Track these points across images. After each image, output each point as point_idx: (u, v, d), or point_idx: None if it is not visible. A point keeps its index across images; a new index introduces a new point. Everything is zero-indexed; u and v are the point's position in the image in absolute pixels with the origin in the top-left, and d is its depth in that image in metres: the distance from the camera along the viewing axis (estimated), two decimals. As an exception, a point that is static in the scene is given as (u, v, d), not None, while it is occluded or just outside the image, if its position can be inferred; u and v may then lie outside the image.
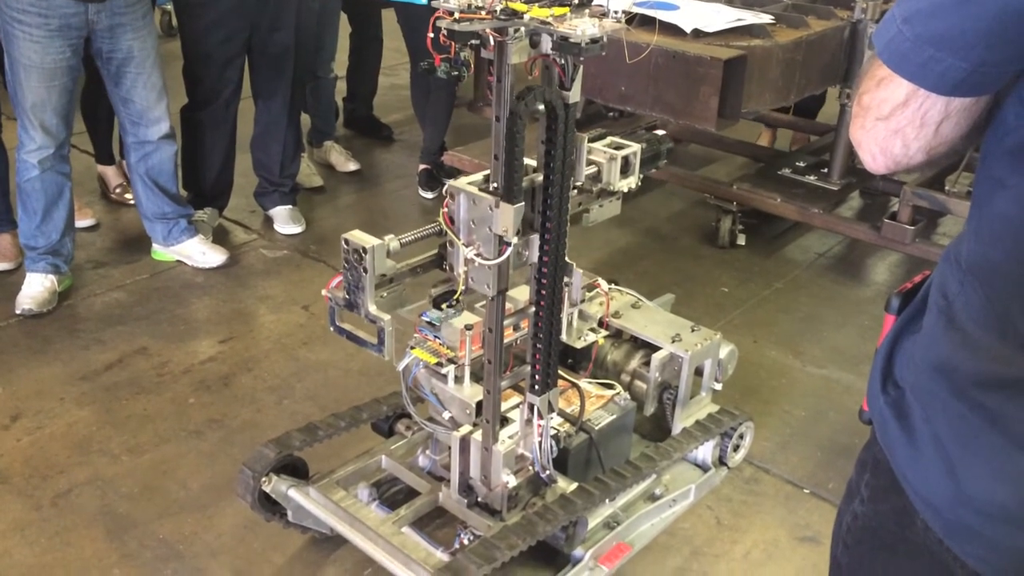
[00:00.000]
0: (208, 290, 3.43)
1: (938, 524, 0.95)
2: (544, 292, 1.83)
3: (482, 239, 1.72)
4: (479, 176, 1.77)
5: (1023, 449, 0.88)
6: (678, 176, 4.09)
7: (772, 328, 3.33)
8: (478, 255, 1.73)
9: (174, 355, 3.01)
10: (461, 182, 1.75)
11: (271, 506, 2.16)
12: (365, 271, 1.74)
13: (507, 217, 1.65)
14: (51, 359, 2.96)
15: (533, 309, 1.86)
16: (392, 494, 2.31)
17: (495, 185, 1.70)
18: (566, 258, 1.83)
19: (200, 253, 3.57)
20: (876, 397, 1.06)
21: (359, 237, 1.76)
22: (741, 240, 3.90)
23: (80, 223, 3.63)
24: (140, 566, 2.17)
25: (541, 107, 1.66)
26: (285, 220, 3.91)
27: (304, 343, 3.10)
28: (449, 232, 1.77)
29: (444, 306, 1.87)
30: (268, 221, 3.95)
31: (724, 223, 3.88)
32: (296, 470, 2.20)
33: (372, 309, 1.77)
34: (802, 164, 3.98)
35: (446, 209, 1.76)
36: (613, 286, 2.58)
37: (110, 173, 4.09)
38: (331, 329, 1.88)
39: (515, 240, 1.68)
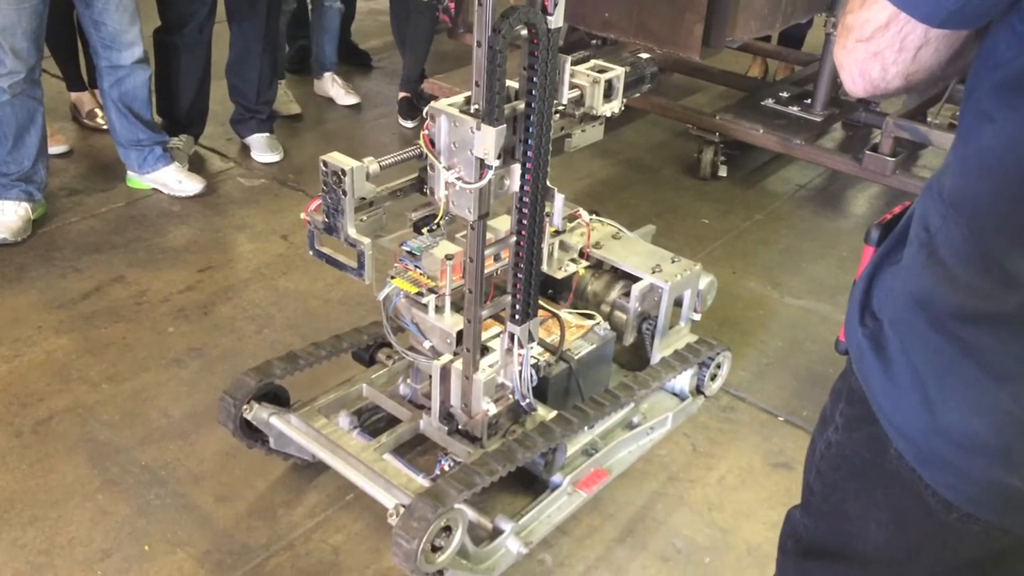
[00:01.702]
0: (185, 219, 3.39)
1: (911, 453, 0.97)
2: (525, 220, 1.82)
3: (463, 163, 1.69)
4: (460, 98, 1.73)
5: (999, 382, 0.89)
6: (660, 106, 4.06)
7: (751, 259, 3.35)
8: (459, 179, 1.70)
9: (152, 284, 2.99)
10: (442, 104, 1.71)
11: (252, 433, 2.17)
12: (344, 194, 1.72)
13: (488, 139, 1.63)
14: (27, 287, 2.93)
15: (514, 238, 1.85)
16: (373, 422, 2.33)
17: (476, 107, 1.66)
18: (548, 184, 1.82)
19: (176, 181, 3.51)
20: (853, 329, 1.07)
21: (338, 159, 1.72)
22: (723, 171, 3.89)
23: (53, 149, 3.56)
24: (123, 491, 2.19)
25: (524, 32, 1.63)
26: (262, 148, 3.85)
27: (283, 273, 3.09)
28: (430, 155, 1.73)
29: (425, 230, 1.85)
30: (245, 149, 3.89)
31: (706, 154, 3.87)
32: (277, 398, 2.21)
33: (352, 232, 1.75)
34: (785, 95, 3.95)
35: (426, 132, 1.72)
36: (594, 217, 2.58)
37: (84, 99, 3.99)
38: (310, 253, 1.87)
39: (496, 163, 1.66)
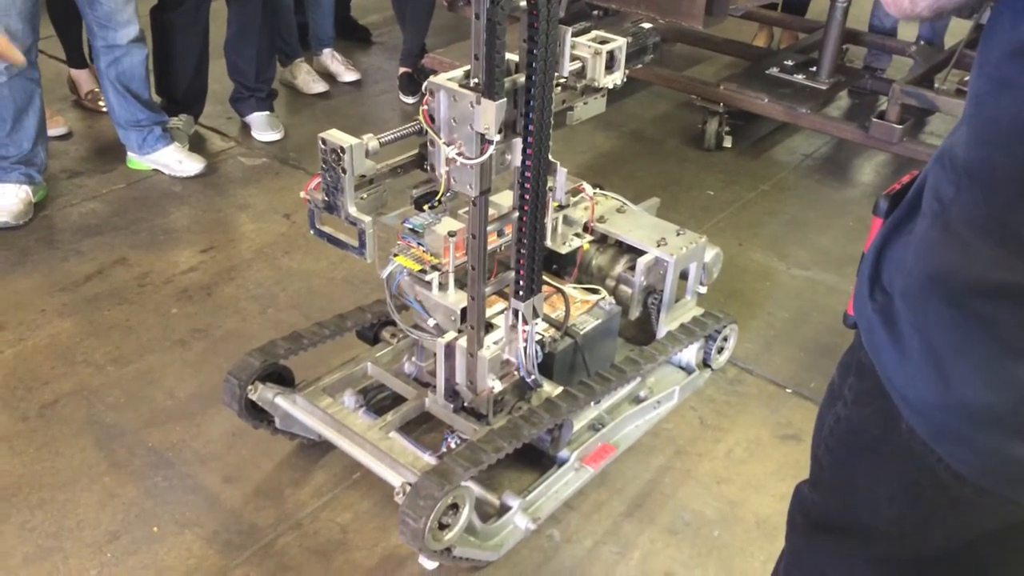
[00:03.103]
0: (186, 199, 3.37)
1: (924, 428, 0.95)
2: (528, 196, 1.79)
3: (464, 138, 1.67)
4: (460, 72, 1.70)
5: (1015, 356, 0.87)
6: (664, 77, 4.01)
7: (757, 230, 3.32)
8: (460, 154, 1.68)
9: (155, 265, 2.97)
10: (441, 78, 1.68)
11: (258, 414, 2.16)
12: (344, 171, 1.69)
13: (488, 114, 1.60)
14: (30, 271, 2.92)
15: (517, 214, 1.83)
16: (378, 401, 2.32)
17: (476, 81, 1.63)
18: (550, 158, 1.80)
19: (177, 161, 3.49)
20: (863, 302, 1.05)
21: (337, 136, 1.69)
22: (727, 142, 3.85)
23: (52, 131, 3.54)
24: (130, 474, 2.19)
25: (523, 3, 1.59)
26: (263, 127, 3.82)
27: (286, 252, 3.07)
28: (429, 131, 1.71)
29: (426, 207, 1.83)
30: (245, 128, 3.86)
31: (710, 125, 3.83)
32: (282, 378, 2.20)
33: (352, 211, 1.72)
34: (790, 63, 3.90)
35: (426, 107, 1.69)
36: (598, 190, 2.55)
37: (82, 78, 3.96)
38: (311, 232, 1.85)
39: (497, 138, 1.64)
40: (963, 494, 0.96)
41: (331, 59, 4.41)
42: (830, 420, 1.16)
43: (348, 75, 4.40)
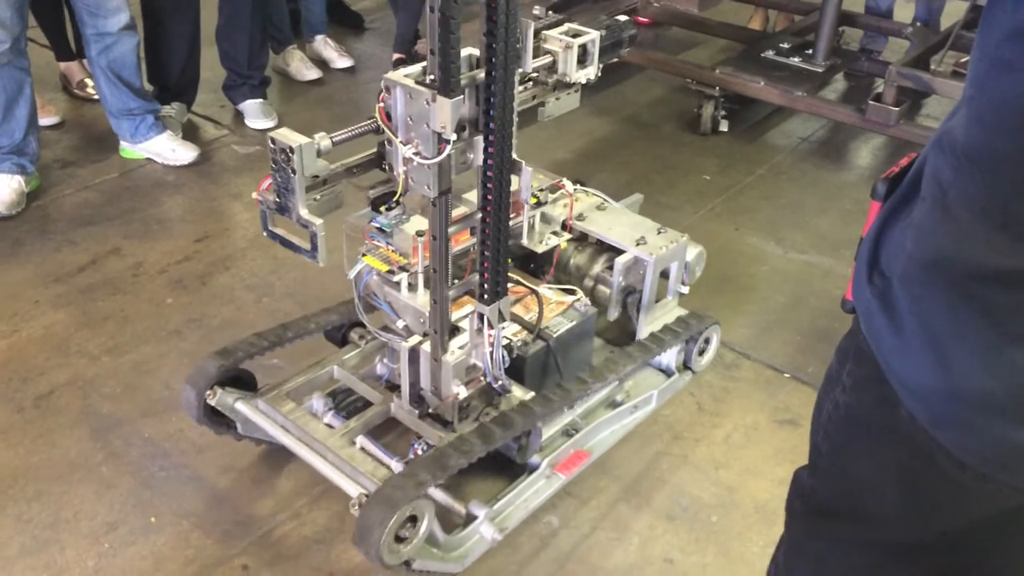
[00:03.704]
0: (180, 188, 3.36)
1: (924, 415, 0.95)
2: (491, 196, 1.69)
3: (421, 137, 1.60)
4: (418, 68, 1.63)
5: (1015, 342, 0.86)
6: (658, 61, 3.99)
7: (754, 215, 3.31)
8: (417, 154, 1.61)
9: (148, 255, 2.96)
10: (397, 74, 1.62)
11: (220, 420, 2.10)
12: (293, 172, 1.61)
13: (444, 112, 1.52)
14: (23, 261, 2.91)
15: (479, 215, 1.73)
16: (349, 403, 2.25)
17: (432, 77, 1.56)
18: (515, 156, 1.69)
19: (170, 150, 3.47)
20: (862, 287, 1.04)
21: (286, 135, 1.62)
22: (723, 126, 3.84)
23: (44, 121, 3.51)
24: (127, 464, 2.18)
25: None
26: (256, 114, 3.80)
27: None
28: (386, 129, 1.64)
29: (383, 209, 1.77)
30: (239, 116, 3.84)
31: (706, 109, 3.81)
32: (243, 382, 2.12)
33: (303, 213, 1.64)
34: (786, 46, 3.88)
35: (382, 104, 1.62)
36: (579, 187, 2.46)
37: (72, 69, 3.93)
38: (264, 234, 1.76)
39: (454, 138, 1.56)
40: (962, 480, 0.96)
41: (324, 45, 4.38)
42: (828, 406, 1.15)
43: (341, 62, 4.37)
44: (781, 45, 3.88)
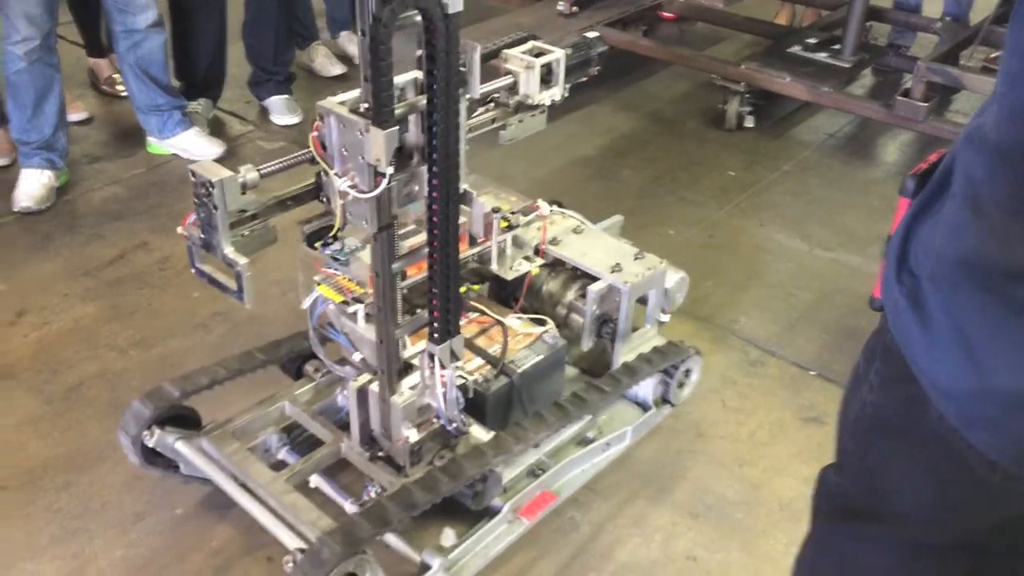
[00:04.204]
0: (207, 183, 3.38)
1: (954, 414, 0.94)
2: (437, 231, 1.56)
3: (357, 168, 1.49)
4: (354, 94, 1.51)
5: None
6: (683, 57, 3.97)
7: (779, 211, 3.29)
8: (353, 187, 1.50)
9: (175, 250, 2.99)
10: (331, 102, 1.51)
11: (161, 460, 2.00)
12: (215, 208, 1.51)
13: (378, 144, 1.41)
14: (52, 255, 2.94)
15: (427, 250, 1.61)
16: (305, 438, 2.12)
17: (366, 106, 1.45)
18: (463, 186, 1.58)
19: (196, 146, 3.50)
20: (890, 285, 1.03)
21: (206, 169, 1.52)
22: (749, 122, 3.81)
23: (73, 117, 3.56)
24: (154, 457, 2.20)
25: (417, 17, 1.40)
26: (281, 110, 3.82)
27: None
28: (320, 161, 1.54)
29: (318, 245, 1.68)
30: (264, 112, 3.86)
31: (731, 105, 3.79)
32: (186, 420, 2.02)
33: (227, 252, 1.54)
34: (812, 41, 3.85)
35: (316, 133, 1.52)
36: (555, 208, 2.32)
37: (101, 66, 3.97)
38: (192, 272, 1.66)
39: (390, 170, 1.45)
40: (992, 480, 0.95)
41: (349, 41, 4.39)
42: (855, 405, 1.14)
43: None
44: (808, 40, 3.85)
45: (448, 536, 1.92)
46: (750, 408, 2.41)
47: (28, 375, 2.45)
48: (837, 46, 3.78)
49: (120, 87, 3.82)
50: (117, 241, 3.02)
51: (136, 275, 2.86)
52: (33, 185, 3.15)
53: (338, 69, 4.25)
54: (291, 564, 1.64)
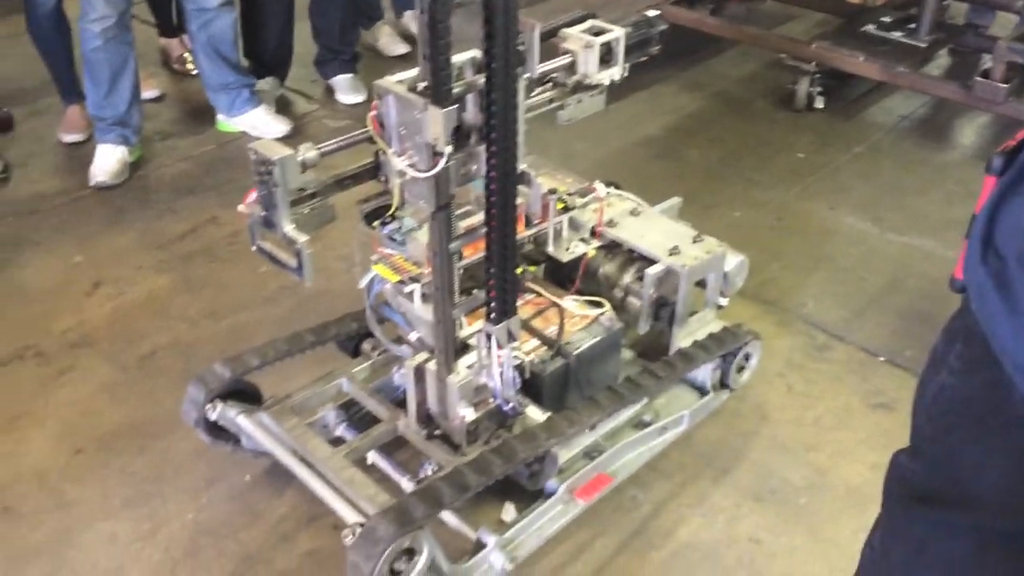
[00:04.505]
0: (274, 160, 3.43)
1: None
2: (495, 210, 1.57)
3: (415, 148, 1.49)
4: (412, 73, 1.51)
5: None
6: (752, 35, 3.90)
7: (850, 194, 3.21)
8: (411, 166, 1.51)
9: (244, 225, 3.02)
10: (389, 81, 1.51)
11: (221, 433, 2.04)
12: (276, 186, 1.52)
13: (437, 123, 1.41)
14: (126, 228, 3.03)
15: (484, 230, 1.61)
16: (363, 415, 2.12)
17: (424, 85, 1.45)
18: (521, 167, 1.58)
19: (264, 123, 3.55)
20: (974, 266, 1.00)
21: (267, 148, 1.53)
22: (819, 103, 3.73)
23: (146, 94, 3.63)
24: (224, 426, 2.26)
25: None
26: (347, 89, 3.86)
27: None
28: (378, 140, 1.55)
29: (376, 224, 1.69)
30: (329, 91, 3.90)
31: (801, 85, 3.70)
32: (247, 395, 2.05)
33: (287, 229, 1.56)
34: (887, 19, 3.75)
35: (374, 112, 1.53)
36: (612, 190, 2.29)
37: (173, 45, 4.06)
38: (253, 249, 1.68)
39: (448, 150, 1.45)
40: (1078, 466, 0.92)
41: (413, 21, 4.41)
42: (933, 388, 1.12)
43: (431, 36, 4.39)
44: (882, 19, 3.75)
45: (508, 511, 1.95)
46: (816, 393, 2.37)
47: (104, 344, 2.53)
48: (913, 25, 3.68)
49: (191, 66, 3.90)
50: (188, 216, 3.09)
51: (206, 249, 2.92)
52: (108, 160, 3.24)
53: (402, 48, 4.27)
54: (350, 537, 1.66)
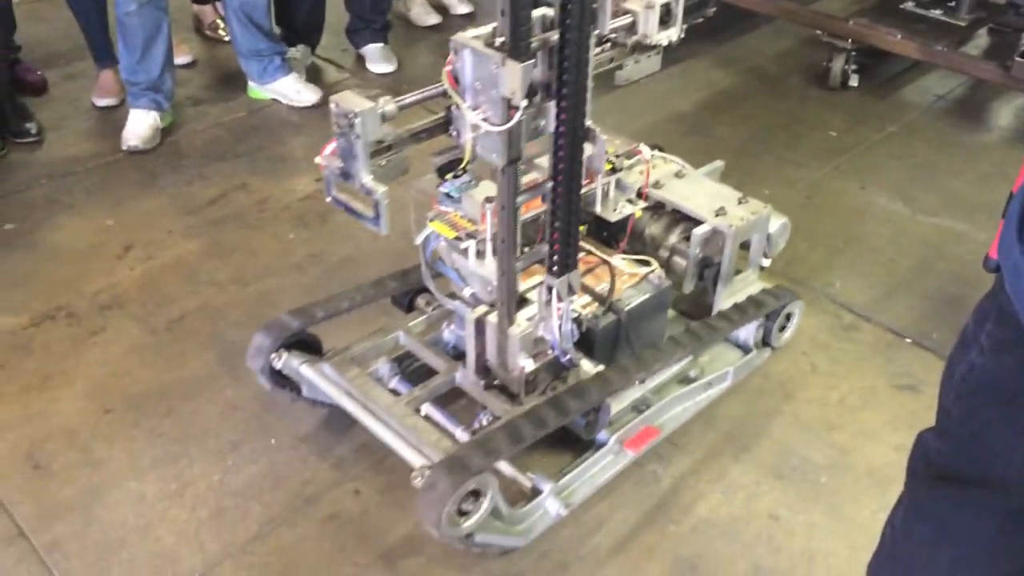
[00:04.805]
0: (303, 128, 3.45)
1: None
2: (562, 164, 1.64)
3: (489, 102, 1.52)
4: (488, 29, 1.54)
5: None
6: (787, 11, 3.84)
7: (882, 174, 3.17)
8: (485, 120, 1.54)
9: (273, 191, 3.06)
10: (466, 36, 1.53)
11: (282, 381, 2.11)
12: (357, 138, 1.57)
13: (514, 77, 1.44)
14: (158, 193, 3.06)
15: (550, 184, 1.68)
16: (415, 368, 2.20)
17: (502, 40, 1.48)
18: (588, 123, 1.63)
19: (295, 91, 3.56)
20: (1010, 245, 0.99)
21: (348, 100, 1.57)
22: (853, 81, 3.68)
23: (178, 60, 3.65)
24: (250, 388, 2.28)
25: None
26: (377, 58, 3.85)
27: (399, 183, 3.08)
28: (453, 94, 1.57)
29: (449, 176, 1.72)
30: (360, 60, 3.90)
31: (836, 62, 3.65)
32: (308, 345, 2.12)
33: (366, 180, 1.60)
34: (927, -3, 3.68)
35: (450, 67, 1.55)
36: (657, 152, 2.35)
37: (206, 12, 4.07)
38: (328, 200, 1.74)
39: (524, 104, 1.49)
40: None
41: (445, -9, 4.39)
42: (962, 368, 1.11)
43: (462, 7, 4.37)
44: (922, -4, 3.68)
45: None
46: (842, 373, 2.36)
47: (134, 307, 2.56)
48: (952, 3, 3.61)
49: (223, 32, 3.91)
50: (219, 182, 3.11)
51: (236, 215, 2.95)
52: (140, 125, 3.26)
53: (434, 19, 4.25)
54: (419, 480, 1.74)
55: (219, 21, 3.97)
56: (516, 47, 1.45)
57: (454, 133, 1.66)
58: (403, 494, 2.02)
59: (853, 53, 3.62)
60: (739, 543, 1.93)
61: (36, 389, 2.29)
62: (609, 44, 1.82)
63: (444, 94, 1.62)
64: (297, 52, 3.75)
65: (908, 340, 2.46)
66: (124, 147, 3.23)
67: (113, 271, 2.69)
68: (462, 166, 1.68)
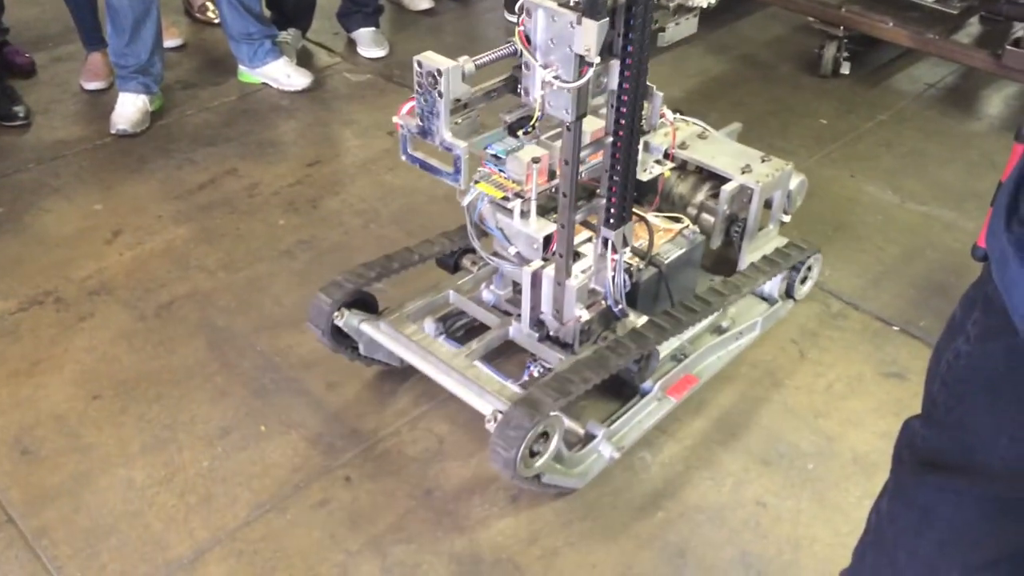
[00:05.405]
0: (294, 113, 3.43)
1: None
2: (623, 120, 1.74)
3: (561, 60, 1.61)
4: None
5: None
6: (781, -3, 3.82)
7: (872, 162, 3.18)
8: (556, 78, 1.63)
9: (263, 177, 3.05)
10: None
11: (340, 339, 2.17)
12: (440, 96, 1.67)
13: (590, 35, 1.54)
14: (147, 177, 3.04)
15: (610, 139, 1.78)
16: (456, 329, 2.32)
17: (575, 0, 1.58)
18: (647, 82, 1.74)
19: (285, 75, 3.54)
20: (997, 233, 0.99)
21: (432, 59, 1.67)
22: (845, 68, 3.68)
23: (168, 43, 3.63)
24: (240, 374, 2.29)
25: None
26: (368, 43, 3.83)
27: (390, 168, 3.10)
28: (526, 53, 1.65)
29: (520, 133, 1.81)
30: (351, 44, 3.88)
31: (828, 50, 3.65)
32: (366, 304, 2.20)
33: (447, 136, 1.71)
34: (919, -15, 3.67)
35: (522, 28, 1.64)
36: (678, 115, 2.45)
37: (195, -7, 4.04)
38: (403, 158, 1.83)
39: (597, 60, 1.58)
40: (1093, 437, 0.92)
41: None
42: (949, 355, 1.12)
43: (455, -8, 4.35)
44: (914, -17, 3.67)
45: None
46: (829, 360, 2.37)
47: (123, 292, 2.55)
48: (945, -9, 3.60)
49: (213, 14, 3.88)
50: (208, 166, 3.09)
51: (225, 200, 2.93)
52: (129, 109, 3.24)
53: (426, 3, 4.23)
54: (492, 423, 1.83)
55: (209, 3, 3.94)
56: (593, 5, 1.54)
57: (521, 92, 1.73)
58: (392, 481, 2.03)
59: (845, 40, 3.62)
60: (726, 529, 1.95)
61: (24, 375, 2.28)
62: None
63: (515, 53, 1.71)
64: (288, 36, 3.72)
65: (896, 328, 2.47)
66: (113, 131, 3.21)
67: (102, 256, 2.68)
68: (532, 122, 1.76)
